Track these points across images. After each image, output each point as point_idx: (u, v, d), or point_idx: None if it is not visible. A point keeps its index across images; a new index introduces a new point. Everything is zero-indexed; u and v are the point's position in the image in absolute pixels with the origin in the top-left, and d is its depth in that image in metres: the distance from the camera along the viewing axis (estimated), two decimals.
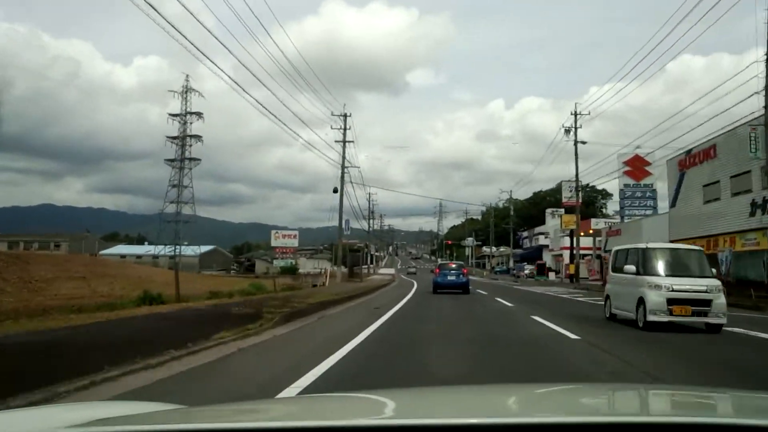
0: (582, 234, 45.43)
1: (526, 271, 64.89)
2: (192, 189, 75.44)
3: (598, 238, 46.41)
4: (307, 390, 5.39)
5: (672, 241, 25.07)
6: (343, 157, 41.12)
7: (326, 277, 37.71)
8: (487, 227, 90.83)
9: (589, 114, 41.47)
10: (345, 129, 41.24)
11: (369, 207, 73.15)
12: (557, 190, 64.98)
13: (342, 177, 40.78)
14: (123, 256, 78.02)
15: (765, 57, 20.30)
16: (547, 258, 66.83)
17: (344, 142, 41.25)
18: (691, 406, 2.01)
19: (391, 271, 77.53)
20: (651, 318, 11.17)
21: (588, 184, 49.68)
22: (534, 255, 70.96)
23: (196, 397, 5.11)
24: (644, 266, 11.90)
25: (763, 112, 20.76)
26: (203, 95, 74.62)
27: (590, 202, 71.02)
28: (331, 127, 41.13)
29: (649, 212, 40.86)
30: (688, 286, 11.25)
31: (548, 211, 72.53)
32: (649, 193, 42.29)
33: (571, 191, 44.53)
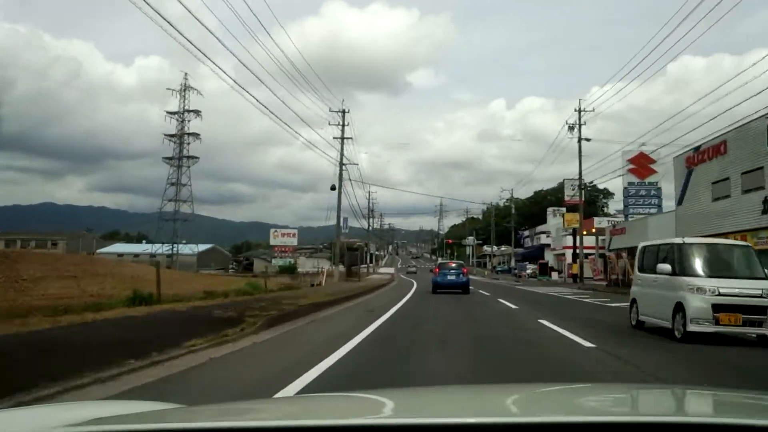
0: (585, 233, 44.68)
1: (528, 271, 64.19)
2: (190, 187, 75.35)
3: (601, 237, 45.62)
4: None
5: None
6: (341, 154, 40.54)
7: (323, 276, 36.83)
8: (487, 226, 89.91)
9: (593, 110, 40.73)
10: (343, 125, 40.80)
11: (369, 205, 72.49)
12: (558, 189, 64.26)
13: (340, 174, 40.15)
14: (120, 255, 77.18)
15: None
16: (549, 257, 66.18)
17: (342, 138, 40.79)
18: (691, 406, 2.00)
19: (391, 270, 77.05)
20: (692, 328, 9.43)
21: (591, 182, 48.82)
22: (536, 254, 70.22)
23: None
24: (681, 265, 10.20)
25: None
26: (202, 93, 74.95)
27: (592, 201, 70.11)
28: (329, 123, 40.65)
29: (653, 210, 40.20)
30: (738, 290, 9.52)
31: (550, 209, 71.85)
32: (653, 191, 41.58)
33: (573, 189, 43.87)
